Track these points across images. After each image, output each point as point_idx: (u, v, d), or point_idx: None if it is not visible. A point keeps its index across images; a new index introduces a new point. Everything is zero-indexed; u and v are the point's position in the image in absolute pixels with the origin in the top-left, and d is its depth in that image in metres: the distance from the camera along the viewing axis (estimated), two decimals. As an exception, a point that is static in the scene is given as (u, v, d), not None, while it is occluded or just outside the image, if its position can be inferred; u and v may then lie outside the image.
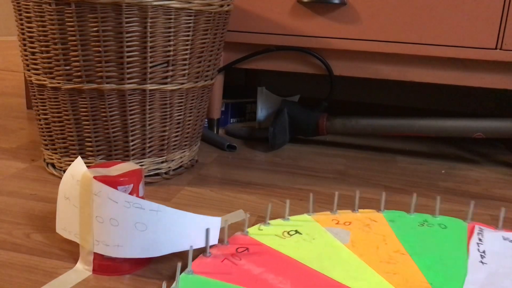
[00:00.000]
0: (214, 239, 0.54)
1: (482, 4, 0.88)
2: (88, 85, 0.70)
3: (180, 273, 0.49)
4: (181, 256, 0.54)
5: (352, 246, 0.57)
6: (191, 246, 0.49)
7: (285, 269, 0.52)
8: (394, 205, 0.72)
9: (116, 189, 0.49)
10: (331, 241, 0.58)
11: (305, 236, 0.59)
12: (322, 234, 0.60)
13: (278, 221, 0.63)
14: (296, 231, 0.60)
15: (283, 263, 0.53)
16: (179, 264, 0.47)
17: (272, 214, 0.67)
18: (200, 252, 0.53)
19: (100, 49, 0.68)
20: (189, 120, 0.80)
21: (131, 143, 0.74)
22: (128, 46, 0.68)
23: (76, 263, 0.52)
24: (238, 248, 0.55)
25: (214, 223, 0.53)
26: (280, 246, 0.57)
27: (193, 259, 0.52)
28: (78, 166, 0.51)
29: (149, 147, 0.76)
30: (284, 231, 0.60)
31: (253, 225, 0.62)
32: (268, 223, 0.62)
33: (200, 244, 0.53)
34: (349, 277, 0.51)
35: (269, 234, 0.59)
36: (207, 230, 0.52)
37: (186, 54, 0.74)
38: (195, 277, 0.49)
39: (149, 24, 0.68)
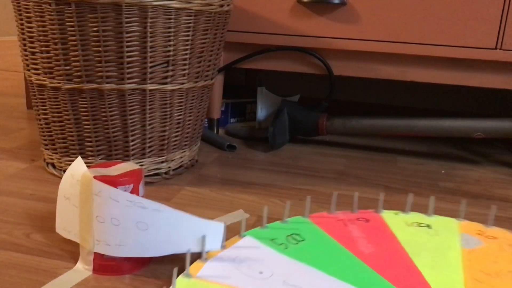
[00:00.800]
0: (216, 244, 0.53)
1: (482, 4, 0.88)
2: (88, 85, 0.70)
3: (177, 277, 0.49)
4: (182, 257, 0.54)
5: (468, 253, 0.55)
6: (188, 250, 0.49)
7: (380, 240, 0.55)
8: (394, 205, 0.72)
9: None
10: (451, 242, 0.57)
11: (432, 231, 0.59)
12: (451, 235, 0.59)
13: (419, 214, 0.65)
14: (428, 225, 0.61)
15: (383, 236, 0.56)
16: (175, 270, 0.47)
17: (271, 214, 0.67)
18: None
19: (100, 49, 0.68)
20: (189, 120, 0.80)
21: (131, 143, 0.74)
22: (128, 46, 0.68)
23: (76, 263, 0.52)
24: (360, 217, 0.60)
25: (217, 228, 0.53)
26: (397, 228, 0.59)
27: (191, 263, 0.52)
28: (78, 166, 0.51)
29: (149, 147, 0.76)
30: (415, 222, 0.62)
31: (253, 226, 0.62)
32: (409, 212, 0.64)
33: (200, 248, 0.52)
34: (429, 266, 0.51)
35: (398, 219, 0.62)
36: (203, 237, 0.51)
37: (186, 54, 0.74)
38: (306, 220, 0.59)
39: (149, 24, 0.68)
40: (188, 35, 0.73)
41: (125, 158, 0.74)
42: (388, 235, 0.58)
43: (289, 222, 0.59)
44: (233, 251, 0.53)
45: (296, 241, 0.54)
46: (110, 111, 0.71)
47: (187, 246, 0.51)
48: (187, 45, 0.73)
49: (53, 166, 0.79)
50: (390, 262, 0.52)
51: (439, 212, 0.71)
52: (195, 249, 0.51)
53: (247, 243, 0.55)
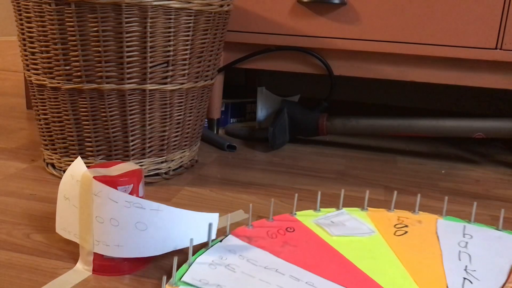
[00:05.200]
0: (211, 235, 0.54)
1: (482, 4, 0.88)
2: (88, 85, 0.70)
3: (177, 269, 0.49)
4: (181, 253, 0.54)
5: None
6: (191, 239, 0.49)
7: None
8: (394, 205, 0.72)
9: (116, 189, 0.49)
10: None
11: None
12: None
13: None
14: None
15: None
16: (175, 259, 0.47)
17: (267, 214, 0.67)
18: (201, 246, 0.53)
19: (100, 49, 0.68)
20: (189, 120, 0.80)
21: (131, 143, 0.74)
22: (128, 46, 0.68)
23: (76, 263, 0.52)
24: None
25: (212, 219, 0.54)
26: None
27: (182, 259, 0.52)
28: (78, 166, 0.51)
29: (149, 147, 0.76)
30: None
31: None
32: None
33: (200, 240, 0.53)
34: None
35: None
36: (210, 225, 0.52)
37: (186, 54, 0.74)
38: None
39: (149, 24, 0.68)
40: (188, 35, 0.73)
41: (125, 158, 0.74)
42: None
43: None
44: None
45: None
46: (110, 111, 0.71)
47: (186, 241, 0.52)
48: (187, 45, 0.73)
49: (53, 166, 0.79)
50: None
51: (440, 212, 0.71)
52: (195, 241, 0.52)
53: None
